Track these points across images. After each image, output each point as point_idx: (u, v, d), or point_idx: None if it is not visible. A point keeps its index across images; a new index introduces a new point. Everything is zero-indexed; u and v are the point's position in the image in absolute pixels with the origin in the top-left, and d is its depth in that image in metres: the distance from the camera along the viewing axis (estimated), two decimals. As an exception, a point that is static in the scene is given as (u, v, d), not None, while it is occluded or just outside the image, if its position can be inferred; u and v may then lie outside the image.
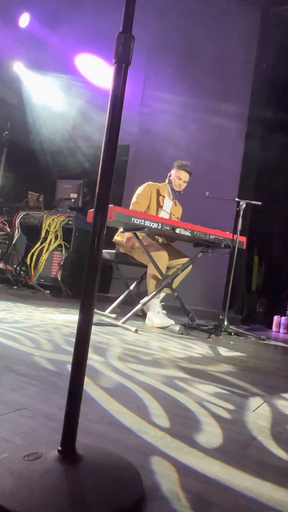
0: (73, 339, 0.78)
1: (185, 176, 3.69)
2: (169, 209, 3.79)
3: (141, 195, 3.64)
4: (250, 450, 1.00)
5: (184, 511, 0.70)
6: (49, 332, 2.24)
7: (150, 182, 3.72)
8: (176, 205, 3.87)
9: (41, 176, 6.40)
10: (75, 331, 0.78)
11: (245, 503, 0.75)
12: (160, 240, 3.75)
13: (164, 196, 3.72)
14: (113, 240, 3.63)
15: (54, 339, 2.07)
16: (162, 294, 3.48)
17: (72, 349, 0.79)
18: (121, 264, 3.74)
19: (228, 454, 0.96)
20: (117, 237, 3.61)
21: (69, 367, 0.76)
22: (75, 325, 0.78)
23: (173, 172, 3.73)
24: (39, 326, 2.38)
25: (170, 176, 3.74)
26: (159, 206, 3.68)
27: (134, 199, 3.66)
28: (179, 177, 3.68)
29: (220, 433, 1.09)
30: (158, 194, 3.69)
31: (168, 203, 3.76)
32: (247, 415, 1.27)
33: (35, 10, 6.14)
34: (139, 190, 3.69)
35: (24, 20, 6.03)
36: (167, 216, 3.73)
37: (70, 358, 1.59)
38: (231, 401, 1.40)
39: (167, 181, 3.74)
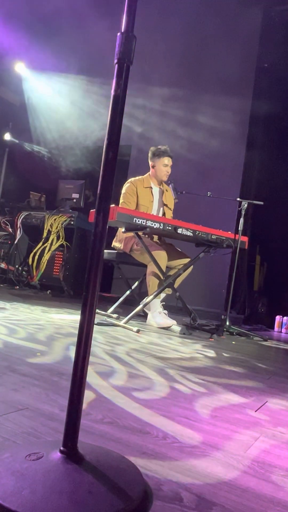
0: (75, 339, 0.78)
1: (169, 161, 3.61)
2: (159, 197, 3.72)
3: (127, 194, 3.57)
4: (252, 450, 1.00)
5: (186, 511, 0.70)
6: (50, 332, 2.24)
7: (131, 179, 3.67)
8: (167, 191, 3.77)
9: (42, 176, 6.41)
10: (77, 331, 0.78)
11: (247, 503, 0.75)
12: (159, 238, 3.74)
13: (151, 187, 3.66)
14: (112, 246, 3.61)
15: (55, 339, 2.08)
16: (162, 294, 3.47)
17: (73, 349, 0.79)
18: (123, 264, 3.74)
19: (230, 454, 0.96)
20: (115, 243, 3.59)
21: (70, 367, 0.76)
22: (77, 325, 0.78)
23: (156, 161, 3.63)
24: (40, 326, 2.38)
25: (153, 166, 3.66)
26: (150, 199, 3.62)
27: (121, 199, 3.59)
28: (165, 165, 3.60)
29: (222, 434, 1.09)
30: (144, 187, 3.61)
31: (156, 193, 3.71)
32: (249, 415, 1.27)
33: (37, 10, 6.14)
34: (124, 189, 3.63)
35: (25, 19, 6.03)
36: (157, 206, 3.68)
37: (71, 358, 1.59)
38: (232, 401, 1.40)
39: (150, 173, 3.69)
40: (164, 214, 3.71)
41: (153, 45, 5.72)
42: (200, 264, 3.66)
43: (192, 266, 3.46)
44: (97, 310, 3.19)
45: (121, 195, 3.62)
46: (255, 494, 0.79)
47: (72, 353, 1.75)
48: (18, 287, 4.87)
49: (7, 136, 6.04)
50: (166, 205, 3.75)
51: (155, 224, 3.03)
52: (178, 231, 3.11)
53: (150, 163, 3.70)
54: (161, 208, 3.73)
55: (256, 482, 0.84)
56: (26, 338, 1.98)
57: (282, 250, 5.50)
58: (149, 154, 3.70)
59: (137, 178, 3.68)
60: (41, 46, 6.12)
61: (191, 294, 4.25)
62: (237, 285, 4.30)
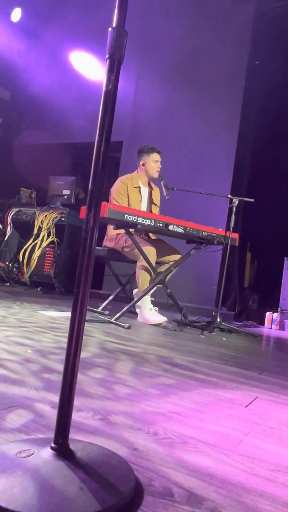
0: (66, 336, 0.78)
1: (158, 156, 3.65)
2: (147, 197, 3.74)
3: (118, 194, 3.56)
4: (242, 445, 1.01)
5: (177, 507, 0.70)
6: (42, 329, 2.23)
7: (120, 178, 3.67)
8: (153, 189, 3.80)
9: (33, 173, 6.36)
10: (68, 328, 0.78)
11: (237, 498, 0.76)
12: (147, 235, 3.74)
13: (140, 187, 3.67)
14: (103, 246, 3.60)
15: (47, 336, 2.07)
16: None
17: (64, 347, 0.78)
18: (113, 261, 3.74)
19: (220, 450, 0.96)
20: (105, 243, 3.58)
21: (61, 364, 0.76)
22: (68, 322, 0.78)
23: (146, 158, 3.64)
24: (31, 323, 2.37)
25: (144, 164, 3.66)
26: (138, 199, 3.63)
27: (113, 199, 3.57)
28: (155, 161, 3.62)
29: (212, 429, 1.09)
30: (133, 186, 3.62)
31: (145, 192, 3.72)
32: (240, 411, 1.28)
33: (28, 5, 6.09)
34: (115, 188, 3.62)
35: (16, 14, 5.98)
36: (145, 205, 3.71)
37: (62, 356, 1.59)
38: (223, 397, 1.41)
39: (139, 170, 3.69)
40: (151, 212, 3.72)
41: (144, 39, 5.70)
42: (191, 261, 3.67)
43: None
44: (88, 307, 3.18)
45: (113, 194, 3.60)
46: (245, 489, 0.80)
47: (63, 350, 1.74)
48: (8, 284, 4.83)
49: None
50: (154, 203, 3.76)
51: (146, 221, 3.03)
52: (169, 228, 3.12)
53: (140, 162, 3.69)
54: (150, 208, 3.75)
55: (246, 477, 0.85)
56: (16, 335, 1.97)
57: (272, 247, 5.53)
58: (137, 153, 3.70)
59: (126, 176, 3.67)
60: (32, 40, 6.07)
61: (182, 290, 4.26)
62: (228, 282, 4.32)
